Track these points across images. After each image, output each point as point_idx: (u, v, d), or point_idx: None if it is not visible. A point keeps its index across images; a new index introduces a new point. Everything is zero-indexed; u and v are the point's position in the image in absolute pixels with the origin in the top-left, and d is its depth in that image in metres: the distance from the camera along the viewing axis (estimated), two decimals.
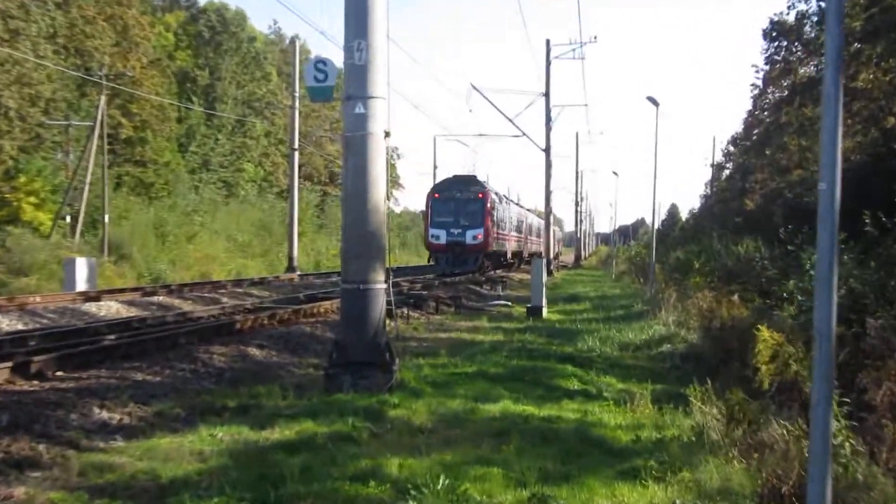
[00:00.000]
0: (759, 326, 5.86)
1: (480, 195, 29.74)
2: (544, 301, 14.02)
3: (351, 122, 7.19)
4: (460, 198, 29.41)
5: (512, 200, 40.35)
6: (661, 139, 18.58)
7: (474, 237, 28.73)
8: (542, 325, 12.32)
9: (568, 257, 71.54)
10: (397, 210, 78.87)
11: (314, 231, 39.48)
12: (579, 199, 54.28)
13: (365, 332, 6.93)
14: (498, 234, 32.44)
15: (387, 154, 7.45)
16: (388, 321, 7.76)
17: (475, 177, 33.26)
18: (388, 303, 8.05)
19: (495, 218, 31.26)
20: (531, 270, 14.93)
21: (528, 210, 31.41)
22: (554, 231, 51.35)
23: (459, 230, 28.77)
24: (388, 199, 8.68)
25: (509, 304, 16.46)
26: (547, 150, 29.31)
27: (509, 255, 35.06)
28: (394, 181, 59.76)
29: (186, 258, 25.72)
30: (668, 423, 5.62)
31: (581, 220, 59.43)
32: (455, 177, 32.40)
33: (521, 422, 5.59)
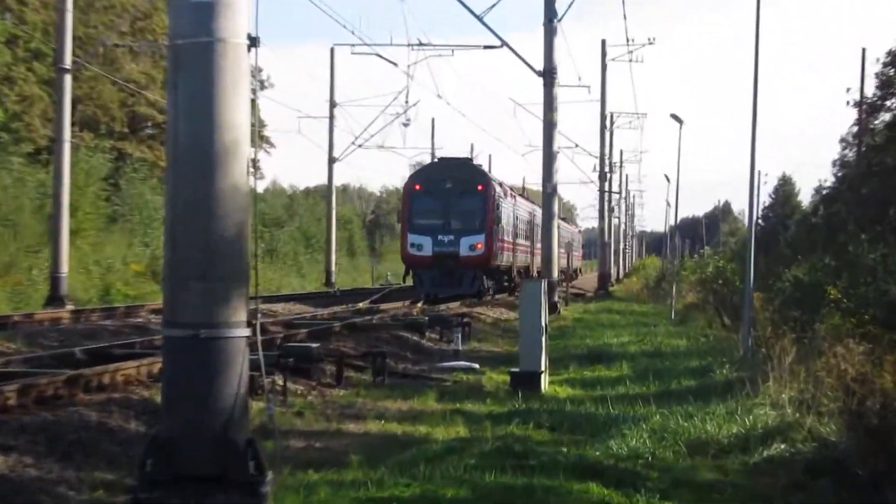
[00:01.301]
0: None
1: (480, 187, 33.51)
2: (543, 361, 14.27)
3: (184, 17, 7.21)
4: (452, 190, 32.98)
5: (518, 193, 44.32)
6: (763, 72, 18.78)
7: (472, 246, 32.69)
8: (541, 406, 12.53)
9: (590, 278, 72.83)
10: (263, 185, 78.92)
11: (101, 228, 39.04)
12: (606, 170, 55.48)
13: (208, 420, 6.97)
14: (503, 242, 36.16)
15: (253, 81, 7.50)
16: (252, 399, 7.92)
17: (471, 161, 37.15)
18: (255, 364, 8.17)
19: (500, 219, 34.89)
20: (520, 302, 15.20)
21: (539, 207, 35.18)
22: (563, 233, 52.35)
23: (451, 236, 32.63)
24: (255, 167, 8.79)
25: (476, 366, 16.83)
26: (547, 75, 29.88)
27: (514, 273, 38.55)
28: (262, 135, 59.74)
29: None
30: None
31: (610, 210, 60.72)
32: (443, 161, 36.37)
33: None
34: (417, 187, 33.55)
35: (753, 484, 8.47)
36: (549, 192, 30.36)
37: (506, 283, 37.95)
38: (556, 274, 30.93)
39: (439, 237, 32.59)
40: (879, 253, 14.89)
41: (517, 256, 39.06)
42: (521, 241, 40.05)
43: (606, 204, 56.90)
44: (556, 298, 30.24)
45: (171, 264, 7.20)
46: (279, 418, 10.71)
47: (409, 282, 34.76)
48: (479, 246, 32.77)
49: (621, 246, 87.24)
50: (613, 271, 69.78)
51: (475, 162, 38.42)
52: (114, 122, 48.27)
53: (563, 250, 46.00)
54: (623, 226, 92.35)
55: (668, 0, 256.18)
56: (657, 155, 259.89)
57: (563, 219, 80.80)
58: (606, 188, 55.87)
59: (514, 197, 40.44)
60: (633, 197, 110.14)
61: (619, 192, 76.72)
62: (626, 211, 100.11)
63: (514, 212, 38.70)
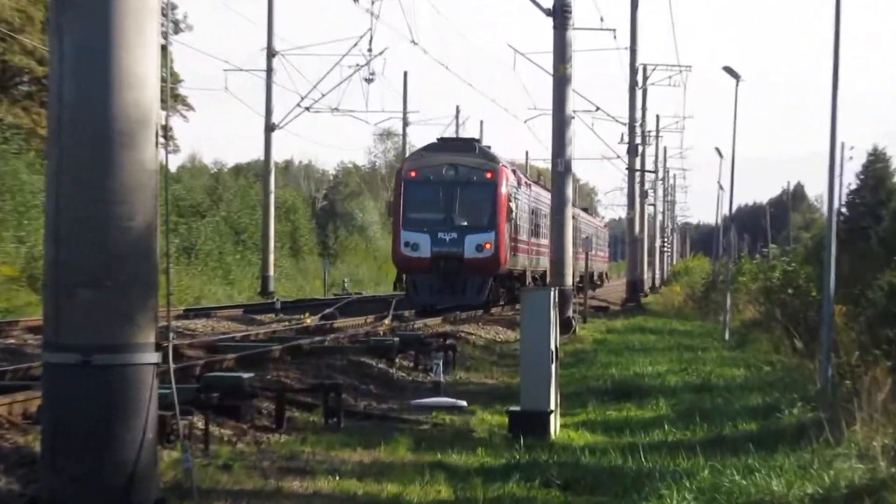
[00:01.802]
0: None
1: (490, 174, 35.75)
2: (553, 398, 14.29)
3: None
4: (455, 178, 35.48)
5: (533, 181, 46.55)
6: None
7: (479, 246, 34.83)
8: (550, 457, 12.50)
9: (616, 286, 72.69)
10: (178, 161, 78.75)
11: None
12: (638, 142, 55.49)
13: (104, 475, 6.97)
14: (517, 241, 38.45)
15: (164, 21, 7.50)
16: (163, 447, 7.89)
17: (478, 141, 39.88)
18: (167, 400, 8.18)
19: (515, 215, 37.31)
20: (521, 318, 15.23)
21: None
22: (582, 226, 51.56)
23: (453, 234, 34.85)
24: (166, 136, 8.81)
25: (462, 404, 16.87)
26: (558, 13, 30.05)
27: (530, 279, 40.91)
28: (175, 94, 59.67)
29: None
30: None
31: (642, 195, 60.75)
32: (444, 142, 39.07)
33: None
34: (413, 174, 35.34)
35: None
36: (560, 170, 30.46)
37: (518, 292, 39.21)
38: (570, 280, 30.98)
39: (440, 235, 34.46)
40: None
41: (534, 259, 40.85)
42: (539, 240, 41.94)
43: (638, 187, 57.07)
44: (570, 313, 30.30)
45: (53, 267, 7.19)
46: (199, 473, 10.69)
47: (402, 290, 36.41)
48: (488, 246, 34.55)
49: (658, 243, 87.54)
50: (647, 277, 70.08)
51: (483, 144, 40.18)
52: None
53: (580, 249, 46.13)
54: (661, 216, 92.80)
55: None
56: (705, 122, 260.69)
57: (584, 209, 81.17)
58: (637, 166, 55.96)
59: (530, 185, 42.08)
60: (674, 178, 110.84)
61: (655, 172, 77.01)
62: (665, 196, 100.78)
63: (530, 204, 40.43)
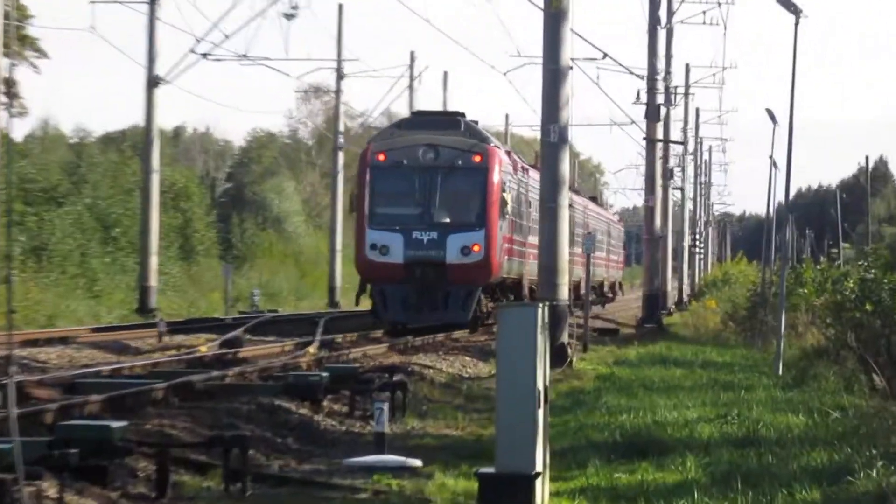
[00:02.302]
0: None
1: (479, 158, 37.47)
2: (540, 455, 14.24)
3: None
4: (435, 163, 37.31)
5: (531, 165, 47.09)
6: None
7: (465, 249, 36.64)
8: None
9: (631, 301, 72.41)
10: (24, 130, 78.33)
11: None
12: (659, 101, 55.35)
13: None
14: (512, 243, 39.98)
15: None
16: None
17: (463, 116, 40.07)
18: (5, 459, 8.04)
19: (510, 208, 38.69)
20: (497, 344, 15.18)
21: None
22: (583, 217, 50.69)
23: (433, 234, 36.63)
24: (9, 94, 8.81)
25: (416, 464, 16.99)
26: None
27: (526, 290, 42.30)
28: (23, 35, 59.43)
29: None
30: None
31: (666, 174, 60.45)
32: (420, 116, 41.25)
33: None
34: (381, 157, 36.63)
35: None
36: (553, 140, 30.51)
37: None
38: (565, 292, 31.02)
39: (415, 235, 35.68)
40: None
41: (535, 265, 40.99)
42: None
43: (659, 164, 57.26)
44: (565, 338, 30.29)
45: None
46: None
47: (366, 304, 37.81)
48: (477, 248, 35.83)
49: (686, 242, 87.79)
50: (671, 288, 70.20)
51: (469, 118, 40.50)
52: None
53: (578, 251, 46.34)
54: (691, 205, 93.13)
55: None
56: (753, 76, 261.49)
57: (593, 198, 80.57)
58: (659, 135, 56.08)
59: (528, 171, 43.12)
60: (710, 152, 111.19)
61: (684, 143, 77.34)
62: (697, 178, 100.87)
63: (530, 195, 41.33)
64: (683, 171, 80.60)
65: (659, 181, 56.89)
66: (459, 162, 36.33)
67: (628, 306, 72.20)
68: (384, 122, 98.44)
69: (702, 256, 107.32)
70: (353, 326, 39.86)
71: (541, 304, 15.37)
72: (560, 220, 30.66)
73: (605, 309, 73.60)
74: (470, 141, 37.00)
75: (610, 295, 79.50)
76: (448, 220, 35.90)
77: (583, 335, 37.21)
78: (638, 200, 68.10)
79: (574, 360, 31.09)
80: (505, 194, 36.43)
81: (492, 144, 37.71)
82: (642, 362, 33.33)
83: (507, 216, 37.22)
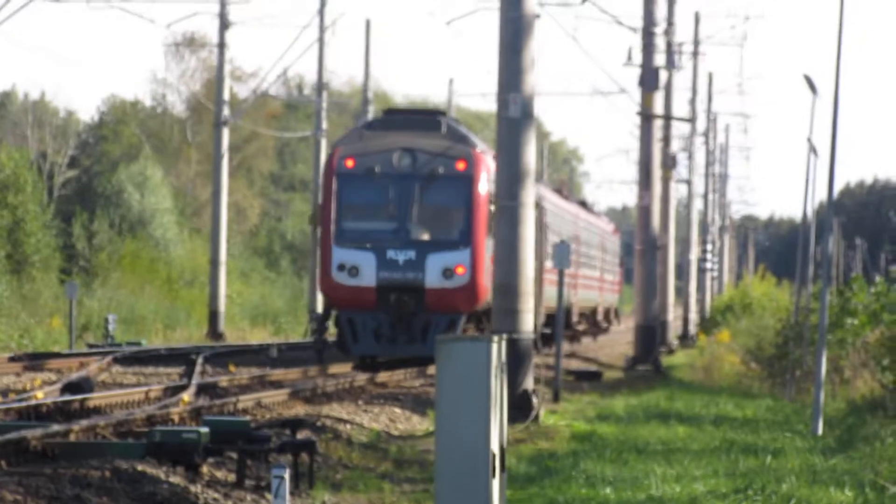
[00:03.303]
0: None
1: (463, 164, 40.37)
2: None
3: None
4: (412, 171, 40.20)
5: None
6: None
7: (448, 271, 39.42)
8: None
9: (623, 333, 72.59)
10: None
11: None
12: (658, 64, 55.72)
13: None
14: None
15: None
16: None
17: (444, 115, 44.28)
18: None
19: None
20: (436, 391, 15.30)
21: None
22: (562, 225, 51.19)
23: (411, 253, 39.36)
24: None
25: None
26: None
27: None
28: None
29: None
30: None
31: (667, 162, 60.64)
32: (393, 115, 44.05)
33: None
34: (350, 164, 38.98)
35: None
36: (513, 115, 30.66)
37: None
38: (530, 322, 31.16)
39: (390, 255, 37.96)
40: None
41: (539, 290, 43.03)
42: (543, 262, 46.15)
43: (658, 148, 57.45)
44: (529, 384, 30.46)
45: None
46: None
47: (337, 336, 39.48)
48: (461, 271, 38.27)
49: (694, 253, 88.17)
50: (673, 317, 70.56)
51: (450, 116, 43.65)
52: None
53: (549, 263, 46.87)
54: (701, 203, 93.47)
55: None
56: (783, 31, 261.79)
57: (582, 203, 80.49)
58: (659, 109, 56.37)
59: None
60: (727, 132, 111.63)
61: (692, 120, 77.84)
62: (709, 167, 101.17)
63: None
64: (691, 157, 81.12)
65: (657, 172, 57.19)
66: (440, 169, 38.59)
67: (619, 340, 72.51)
68: (283, 90, 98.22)
69: (715, 274, 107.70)
70: (243, 364, 39.86)
71: (496, 338, 15.43)
72: (522, 223, 30.78)
73: (595, 342, 73.76)
74: (452, 144, 39.22)
75: (605, 325, 79.75)
76: (428, 237, 38.18)
77: (553, 380, 37.44)
78: (628, 198, 67.94)
79: (541, 412, 31.20)
80: (493, 207, 36.71)
81: (478, 149, 39.85)
82: (633, 417, 33.54)
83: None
